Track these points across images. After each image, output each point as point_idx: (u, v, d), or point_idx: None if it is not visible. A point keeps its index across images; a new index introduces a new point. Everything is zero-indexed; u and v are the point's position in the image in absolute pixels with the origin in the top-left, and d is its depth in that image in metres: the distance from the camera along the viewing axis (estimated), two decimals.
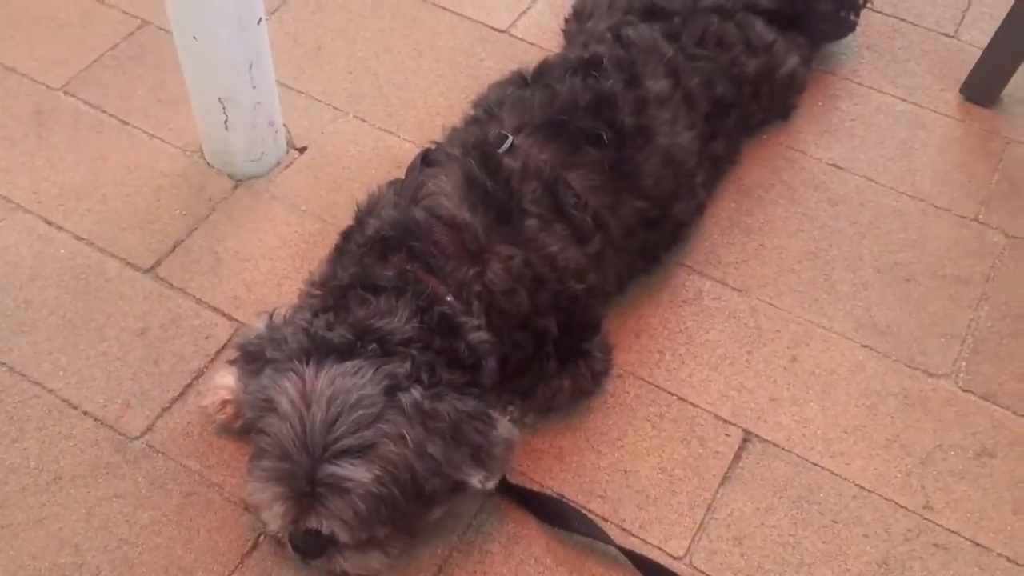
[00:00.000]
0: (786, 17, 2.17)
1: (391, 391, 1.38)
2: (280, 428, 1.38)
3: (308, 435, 1.35)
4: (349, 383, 1.38)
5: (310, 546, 1.43)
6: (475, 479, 1.44)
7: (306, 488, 1.36)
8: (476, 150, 1.66)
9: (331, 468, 1.35)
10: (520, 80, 1.86)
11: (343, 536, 1.38)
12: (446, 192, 1.60)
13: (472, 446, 1.43)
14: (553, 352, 1.64)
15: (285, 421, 1.37)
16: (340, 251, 1.66)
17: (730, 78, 2.00)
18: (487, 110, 1.79)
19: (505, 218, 1.59)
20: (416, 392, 1.39)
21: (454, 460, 1.41)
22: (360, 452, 1.35)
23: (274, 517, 1.41)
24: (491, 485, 1.46)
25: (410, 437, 1.37)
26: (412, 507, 1.42)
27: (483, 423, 1.45)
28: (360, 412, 1.36)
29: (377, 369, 1.39)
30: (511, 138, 1.68)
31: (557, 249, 1.62)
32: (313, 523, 1.38)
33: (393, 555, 1.47)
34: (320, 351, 1.42)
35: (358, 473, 1.35)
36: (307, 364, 1.40)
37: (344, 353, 1.41)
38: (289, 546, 1.45)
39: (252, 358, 1.51)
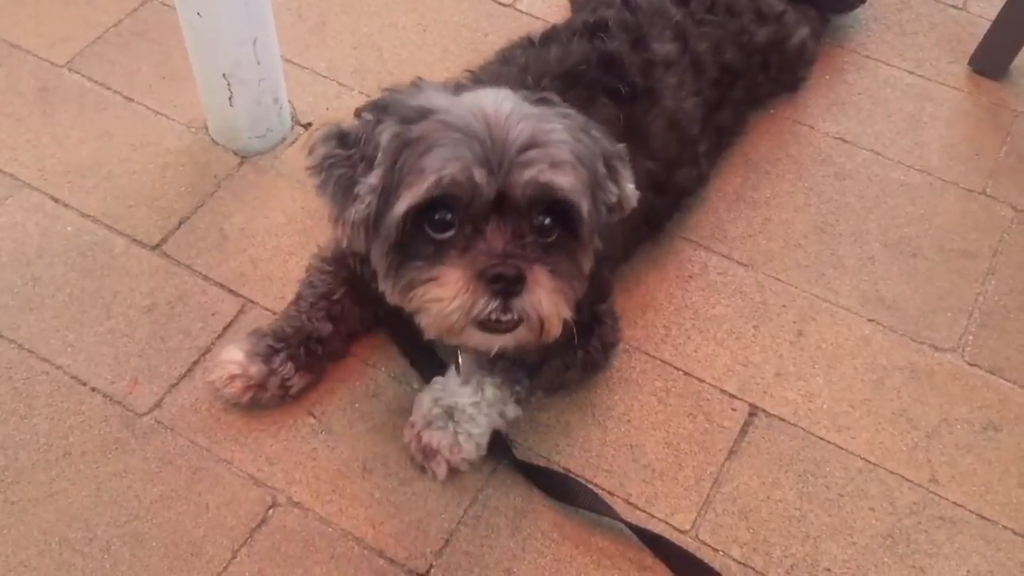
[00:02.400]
0: None
1: (544, 102, 1.40)
2: (455, 122, 1.31)
3: (491, 127, 1.31)
4: (499, 94, 1.38)
5: (515, 269, 1.29)
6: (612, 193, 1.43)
7: (505, 159, 1.29)
8: None
9: (528, 151, 1.30)
10: (529, 43, 1.85)
11: (563, 180, 1.31)
12: None
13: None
14: None
15: (456, 118, 1.32)
16: None
17: (739, 46, 1.99)
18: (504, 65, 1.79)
19: None
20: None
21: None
22: (546, 135, 1.33)
23: (454, 164, 1.28)
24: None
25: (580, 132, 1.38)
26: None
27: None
28: (525, 109, 1.35)
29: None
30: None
31: None
32: (540, 175, 1.29)
33: (566, 313, 1.37)
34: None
35: (557, 134, 1.33)
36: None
37: None
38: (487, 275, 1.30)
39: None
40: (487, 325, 1.33)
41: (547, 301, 1.33)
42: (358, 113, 1.45)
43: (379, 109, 1.40)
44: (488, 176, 1.29)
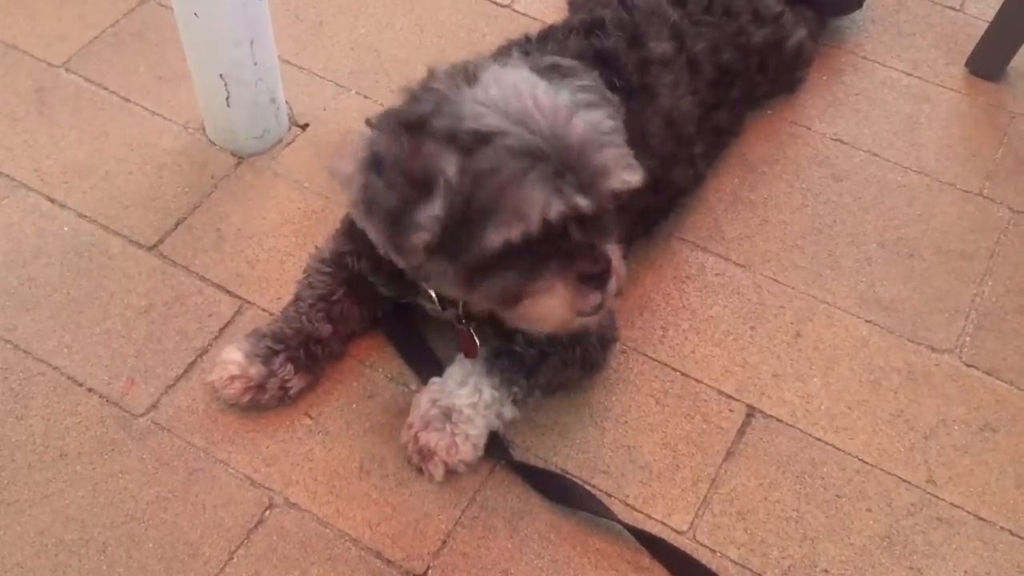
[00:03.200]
0: None
1: (556, 69, 1.43)
2: (508, 135, 1.32)
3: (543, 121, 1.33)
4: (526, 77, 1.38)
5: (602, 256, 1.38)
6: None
7: (569, 165, 1.32)
8: None
9: (600, 154, 1.34)
10: (525, 40, 1.85)
11: (636, 178, 1.37)
12: None
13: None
14: None
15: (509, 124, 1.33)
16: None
17: (736, 46, 1.99)
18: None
19: None
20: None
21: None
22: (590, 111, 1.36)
23: (552, 197, 1.31)
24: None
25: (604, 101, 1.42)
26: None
27: None
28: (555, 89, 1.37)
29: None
30: None
31: None
32: (621, 181, 1.35)
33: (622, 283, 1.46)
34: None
35: (606, 122, 1.36)
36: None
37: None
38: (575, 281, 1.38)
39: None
40: (587, 313, 1.42)
41: (621, 269, 1.44)
42: (371, 124, 1.44)
43: (409, 126, 1.37)
44: (584, 198, 1.33)
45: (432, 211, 1.33)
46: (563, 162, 1.32)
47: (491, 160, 1.31)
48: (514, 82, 1.38)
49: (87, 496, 1.59)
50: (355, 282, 1.71)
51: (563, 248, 1.37)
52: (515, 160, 1.31)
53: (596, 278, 1.39)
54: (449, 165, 1.32)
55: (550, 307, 1.39)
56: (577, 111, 1.36)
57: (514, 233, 1.31)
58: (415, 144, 1.35)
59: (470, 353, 1.63)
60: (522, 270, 1.37)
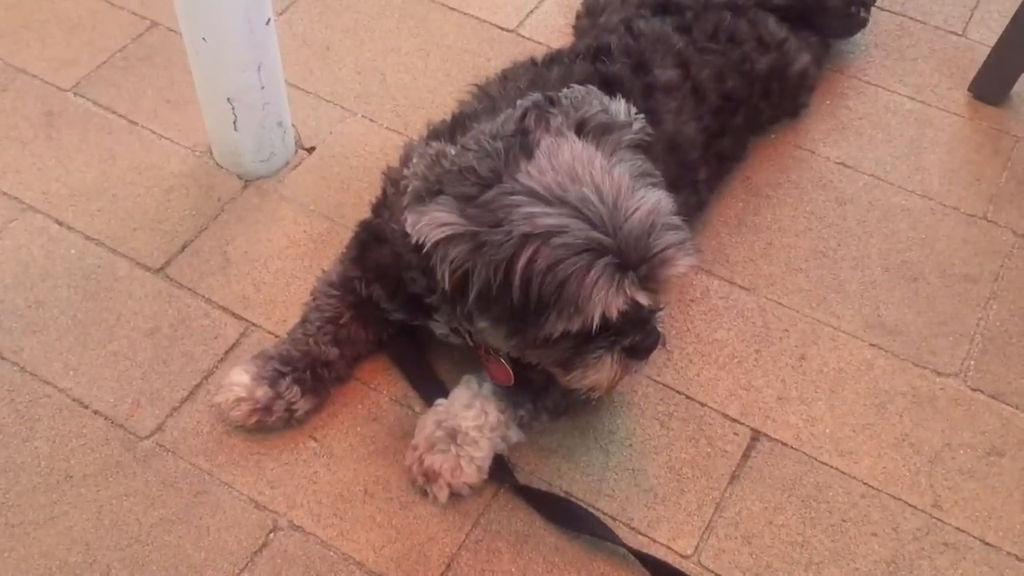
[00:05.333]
0: (797, 13, 2.17)
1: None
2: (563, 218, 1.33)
3: (605, 208, 1.34)
4: (584, 152, 1.39)
5: (653, 324, 1.44)
6: None
7: (632, 255, 1.34)
8: None
9: (661, 242, 1.35)
10: (532, 64, 1.87)
11: (694, 262, 1.41)
12: None
13: None
14: None
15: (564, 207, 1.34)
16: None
17: (741, 74, 2.00)
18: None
19: None
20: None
21: None
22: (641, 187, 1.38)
23: (613, 295, 1.33)
24: None
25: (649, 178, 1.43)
26: None
27: None
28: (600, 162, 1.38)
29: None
30: None
31: None
32: (680, 269, 1.37)
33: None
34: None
35: (663, 206, 1.38)
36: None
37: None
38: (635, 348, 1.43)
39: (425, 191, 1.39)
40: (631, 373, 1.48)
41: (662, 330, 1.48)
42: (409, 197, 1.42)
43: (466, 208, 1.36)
44: (646, 293, 1.37)
45: (466, 306, 1.38)
46: (624, 254, 1.33)
47: (551, 257, 1.32)
48: (570, 161, 1.37)
49: (91, 518, 1.59)
50: (362, 306, 1.71)
51: (614, 325, 1.39)
52: (576, 256, 1.32)
53: (644, 350, 1.45)
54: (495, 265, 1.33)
55: (598, 379, 1.45)
56: (635, 192, 1.37)
57: (574, 326, 1.35)
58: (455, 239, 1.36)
59: (504, 380, 1.62)
60: (574, 344, 1.41)
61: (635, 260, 1.34)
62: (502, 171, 1.36)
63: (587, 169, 1.36)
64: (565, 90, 1.47)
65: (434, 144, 1.45)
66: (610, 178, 1.37)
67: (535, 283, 1.32)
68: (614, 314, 1.35)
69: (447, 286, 1.38)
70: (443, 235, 1.33)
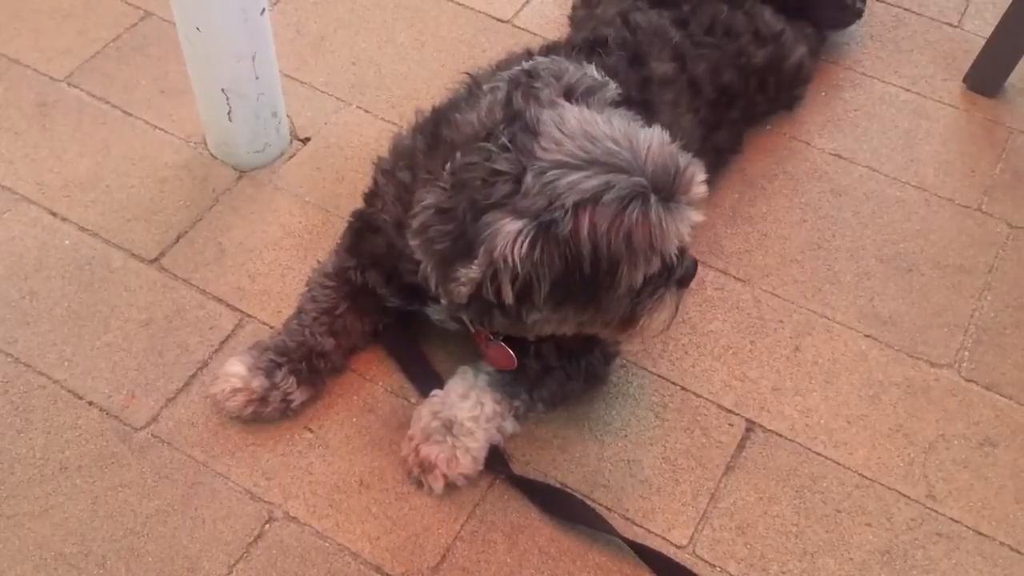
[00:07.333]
0: (793, 3, 2.17)
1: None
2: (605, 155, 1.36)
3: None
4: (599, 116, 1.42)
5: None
6: None
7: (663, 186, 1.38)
8: None
9: (688, 183, 1.40)
10: (527, 55, 1.86)
11: (704, 172, 1.44)
12: None
13: None
14: None
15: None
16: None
17: (737, 67, 2.00)
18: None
19: None
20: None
21: None
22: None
23: (680, 224, 1.39)
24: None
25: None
26: None
27: None
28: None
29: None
30: None
31: None
32: (697, 184, 1.42)
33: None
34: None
35: (659, 132, 1.42)
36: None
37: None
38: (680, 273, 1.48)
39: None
40: None
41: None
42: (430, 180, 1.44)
43: (482, 207, 1.36)
44: (697, 212, 1.43)
45: (472, 273, 1.35)
46: (662, 187, 1.37)
47: (608, 215, 1.34)
48: (578, 125, 1.39)
49: (87, 509, 1.59)
50: (358, 295, 1.71)
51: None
52: (631, 204, 1.35)
53: (690, 276, 1.51)
54: (526, 245, 1.33)
55: (664, 318, 1.49)
56: (639, 133, 1.41)
57: (652, 268, 1.39)
58: (471, 213, 1.36)
59: (506, 364, 1.62)
60: (633, 296, 1.43)
61: (672, 189, 1.38)
62: (522, 158, 1.36)
63: (596, 127, 1.39)
64: (532, 62, 1.50)
65: (427, 198, 1.42)
66: (616, 128, 1.40)
67: (602, 244, 1.34)
68: (687, 240, 1.42)
69: (510, 299, 1.37)
70: (527, 238, 1.33)
